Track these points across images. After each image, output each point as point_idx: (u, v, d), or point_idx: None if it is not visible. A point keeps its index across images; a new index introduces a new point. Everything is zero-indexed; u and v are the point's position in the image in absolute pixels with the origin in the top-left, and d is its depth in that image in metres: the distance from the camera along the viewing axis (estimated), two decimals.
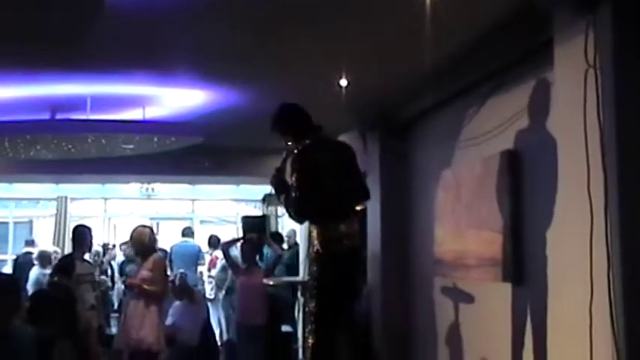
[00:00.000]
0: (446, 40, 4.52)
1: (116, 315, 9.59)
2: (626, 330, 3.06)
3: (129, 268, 9.36)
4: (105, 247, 11.91)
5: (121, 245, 11.61)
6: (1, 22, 4.23)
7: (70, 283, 6.32)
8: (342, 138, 6.55)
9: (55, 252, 9.94)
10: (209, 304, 10.00)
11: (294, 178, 4.44)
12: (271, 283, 7.89)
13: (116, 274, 11.21)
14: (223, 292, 9.97)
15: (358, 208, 5.09)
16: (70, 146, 7.00)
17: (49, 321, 4.78)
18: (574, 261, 3.40)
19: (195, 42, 4.77)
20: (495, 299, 4.91)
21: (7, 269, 12.01)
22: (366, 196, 4.84)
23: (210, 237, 11.93)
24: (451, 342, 5.86)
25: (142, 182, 13.93)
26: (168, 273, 8.10)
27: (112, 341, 6.84)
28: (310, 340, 4.49)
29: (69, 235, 9.43)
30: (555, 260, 3.93)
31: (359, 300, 4.73)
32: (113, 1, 3.94)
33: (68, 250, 9.35)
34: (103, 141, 6.94)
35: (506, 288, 4.72)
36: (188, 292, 8.23)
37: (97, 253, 10.71)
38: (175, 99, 6.63)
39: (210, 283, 11.13)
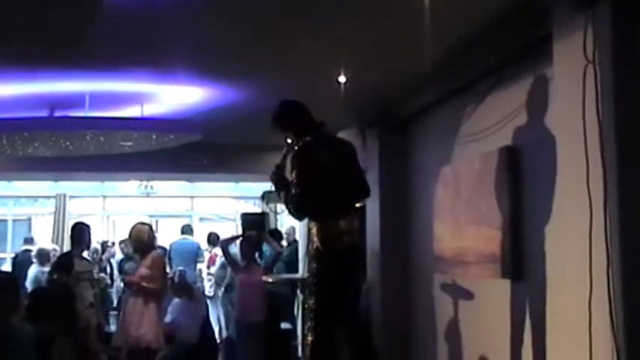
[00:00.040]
0: (445, 36, 4.52)
1: (115, 313, 9.59)
2: (625, 326, 3.06)
3: (128, 265, 9.37)
4: (104, 244, 11.91)
5: (119, 243, 11.61)
6: (0, 20, 4.22)
7: (69, 281, 6.32)
8: (341, 135, 6.54)
9: (54, 250, 9.94)
10: (208, 301, 10.00)
11: (294, 175, 4.43)
12: (270, 280, 7.89)
13: (115, 272, 11.22)
14: (222, 289, 9.97)
15: (358, 205, 5.09)
16: (68, 143, 6.99)
17: (48, 319, 4.78)
18: (573, 257, 3.39)
19: (193, 39, 4.76)
20: (495, 296, 4.91)
21: (6, 267, 12.00)
22: (366, 193, 4.83)
23: (210, 234, 11.94)
24: (450, 338, 5.87)
25: (141, 180, 13.92)
26: (168, 270, 8.10)
27: (111, 339, 6.84)
28: (309, 337, 4.49)
29: (68, 233, 9.44)
30: (554, 256, 3.92)
31: (359, 297, 4.72)
32: None
33: (67, 247, 9.35)
34: (102, 138, 6.93)
35: (506, 284, 4.72)
36: (187, 289, 8.23)
37: (96, 251, 10.71)
38: (174, 96, 6.62)
39: (210, 280, 11.13)
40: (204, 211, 16.03)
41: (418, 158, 6.78)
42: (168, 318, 7.72)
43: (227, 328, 9.74)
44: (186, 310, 8.02)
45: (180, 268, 8.67)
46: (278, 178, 4.64)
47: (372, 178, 6.68)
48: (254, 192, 12.73)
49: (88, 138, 6.90)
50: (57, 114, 6.78)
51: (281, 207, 10.67)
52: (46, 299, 5.15)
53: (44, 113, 6.77)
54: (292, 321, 8.79)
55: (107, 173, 11.14)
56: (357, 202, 5.03)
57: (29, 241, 10.99)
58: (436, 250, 6.07)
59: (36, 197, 15.61)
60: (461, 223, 5.50)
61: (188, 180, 13.57)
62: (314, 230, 4.52)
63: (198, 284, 10.45)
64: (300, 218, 4.96)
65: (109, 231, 15.21)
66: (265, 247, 8.70)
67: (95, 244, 10.59)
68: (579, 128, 3.28)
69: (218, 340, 9.18)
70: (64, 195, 13.73)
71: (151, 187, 14.47)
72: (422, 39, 4.35)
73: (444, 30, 4.35)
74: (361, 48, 4.96)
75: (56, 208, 13.68)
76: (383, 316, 6.98)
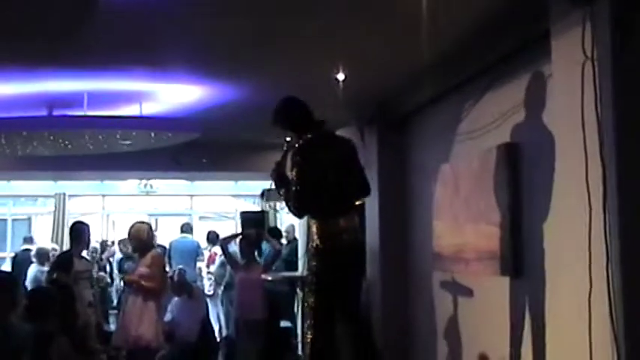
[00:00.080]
0: (443, 34, 4.51)
1: (115, 312, 9.59)
2: (625, 323, 3.05)
3: (127, 264, 9.38)
4: (103, 243, 11.92)
5: (118, 243, 11.62)
6: None
7: (68, 280, 6.31)
8: (339, 133, 6.53)
9: (53, 249, 9.96)
10: (208, 300, 10.00)
11: (294, 173, 4.43)
12: (270, 278, 7.89)
13: (115, 271, 11.23)
14: (222, 288, 9.97)
15: (357, 202, 5.08)
16: (67, 142, 6.98)
17: (48, 318, 4.80)
18: (572, 254, 3.39)
19: (192, 37, 4.75)
20: (494, 293, 4.90)
21: (6, 267, 12.01)
22: (366, 191, 4.83)
23: (209, 233, 11.93)
24: (450, 335, 5.86)
25: (141, 178, 13.93)
26: (167, 269, 8.10)
27: (111, 338, 6.84)
28: (309, 336, 4.48)
29: (67, 232, 9.43)
30: (553, 253, 3.92)
31: (359, 295, 4.71)
32: None
33: (67, 247, 9.34)
34: (101, 137, 6.92)
35: (505, 282, 4.71)
36: (187, 288, 8.23)
37: (95, 250, 10.72)
38: (172, 94, 6.61)
39: (209, 279, 11.13)
40: (203, 210, 16.03)
41: (417, 156, 6.78)
42: (167, 317, 7.73)
43: (227, 327, 9.75)
44: (185, 308, 8.02)
45: (180, 266, 8.68)
46: (278, 176, 4.63)
47: (371, 176, 6.64)
48: (253, 190, 12.74)
49: (86, 137, 6.90)
50: (55, 113, 6.77)
51: (280, 205, 10.67)
52: (46, 299, 5.15)
53: (43, 112, 6.76)
54: (292, 319, 8.80)
55: (106, 172, 11.15)
56: (358, 200, 5.02)
57: (29, 240, 11.00)
58: (435, 247, 6.07)
59: (35, 197, 15.63)
60: (460, 220, 5.49)
61: (187, 179, 13.57)
62: (314, 228, 4.52)
63: (198, 283, 10.46)
64: (300, 216, 4.95)
65: (109, 230, 15.22)
66: (265, 246, 8.70)
67: (95, 243, 10.60)
68: (578, 125, 3.28)
69: (218, 339, 9.18)
70: (64, 194, 13.73)
71: (151, 185, 14.47)
72: (420, 36, 4.35)
73: (441, 27, 4.34)
74: (359, 46, 4.95)
75: (56, 207, 13.69)
76: (382, 314, 6.98)
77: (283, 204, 5.08)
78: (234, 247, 8.38)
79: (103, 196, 15.35)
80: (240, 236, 8.33)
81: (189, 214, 15.16)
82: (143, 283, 6.36)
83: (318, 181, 4.44)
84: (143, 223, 6.93)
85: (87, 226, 7.08)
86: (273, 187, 4.81)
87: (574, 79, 3.31)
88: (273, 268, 8.29)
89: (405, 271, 6.96)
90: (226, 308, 9.80)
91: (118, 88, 6.28)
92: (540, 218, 4.20)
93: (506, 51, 4.46)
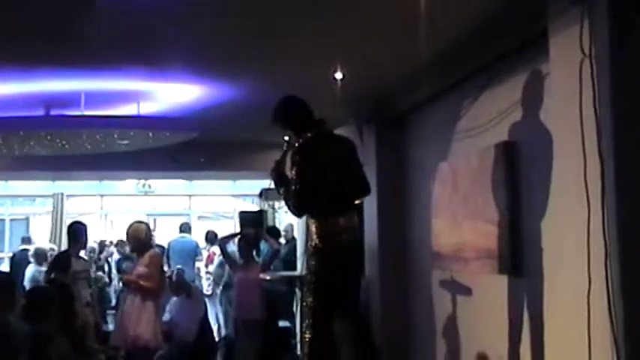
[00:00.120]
0: (441, 32, 4.50)
1: (113, 311, 9.58)
2: (624, 321, 3.04)
3: (125, 264, 9.37)
4: (102, 243, 11.91)
5: (115, 245, 11.62)
6: None
7: (66, 280, 6.31)
8: (338, 131, 6.53)
9: (51, 249, 9.95)
10: (206, 299, 9.99)
11: (294, 172, 4.42)
12: (268, 278, 7.88)
13: (113, 271, 11.22)
14: (221, 287, 9.96)
15: (357, 202, 5.08)
16: (64, 142, 6.97)
17: (46, 318, 4.78)
18: (571, 252, 3.39)
19: (189, 36, 4.74)
20: (493, 291, 4.90)
21: (4, 267, 12.00)
22: (366, 190, 4.83)
23: (208, 232, 11.93)
24: (449, 334, 5.86)
25: (139, 179, 13.92)
26: (166, 269, 8.10)
27: (109, 338, 6.83)
28: (308, 335, 4.47)
29: (65, 232, 9.42)
30: (552, 251, 3.91)
31: (358, 294, 4.71)
32: None
33: (65, 247, 9.33)
34: (98, 137, 6.91)
35: (504, 280, 4.71)
36: (185, 287, 8.23)
37: (93, 250, 10.72)
38: (170, 94, 6.60)
39: (208, 278, 11.12)
40: (202, 210, 16.03)
41: (415, 154, 6.77)
42: (166, 316, 7.73)
43: (225, 327, 9.74)
44: (184, 308, 8.02)
45: (179, 266, 8.67)
46: (278, 175, 4.63)
47: (370, 175, 6.63)
48: (252, 190, 12.74)
49: (84, 137, 6.88)
50: (53, 113, 6.76)
51: (279, 204, 10.67)
52: (44, 298, 5.14)
53: (40, 112, 6.75)
54: (291, 319, 8.79)
55: (104, 172, 11.13)
56: (357, 199, 5.02)
57: (27, 240, 10.98)
58: (434, 246, 6.07)
59: (33, 196, 15.62)
60: (458, 218, 5.49)
61: (186, 178, 13.57)
62: (313, 227, 4.51)
63: (197, 282, 10.45)
64: (299, 215, 4.94)
65: (107, 230, 15.21)
66: (263, 245, 8.69)
67: (92, 243, 10.59)
68: (576, 123, 3.27)
69: (216, 339, 9.18)
70: (62, 194, 13.72)
71: (149, 185, 14.46)
72: (418, 34, 4.34)
73: (440, 25, 4.34)
74: (358, 45, 4.94)
75: (54, 207, 13.68)
76: (381, 313, 6.97)
77: (282, 203, 5.07)
78: (232, 247, 8.38)
79: (101, 196, 15.35)
80: (239, 236, 8.33)
81: (188, 214, 15.16)
82: (141, 282, 6.35)
83: (318, 181, 4.43)
84: (141, 222, 6.92)
85: (84, 226, 7.07)
86: (272, 186, 4.81)
87: (572, 77, 3.31)
88: (272, 267, 8.28)
89: (403, 270, 6.95)
90: (225, 308, 9.79)
91: (115, 88, 6.27)
92: (539, 216, 4.19)
93: (504, 49, 4.45)
